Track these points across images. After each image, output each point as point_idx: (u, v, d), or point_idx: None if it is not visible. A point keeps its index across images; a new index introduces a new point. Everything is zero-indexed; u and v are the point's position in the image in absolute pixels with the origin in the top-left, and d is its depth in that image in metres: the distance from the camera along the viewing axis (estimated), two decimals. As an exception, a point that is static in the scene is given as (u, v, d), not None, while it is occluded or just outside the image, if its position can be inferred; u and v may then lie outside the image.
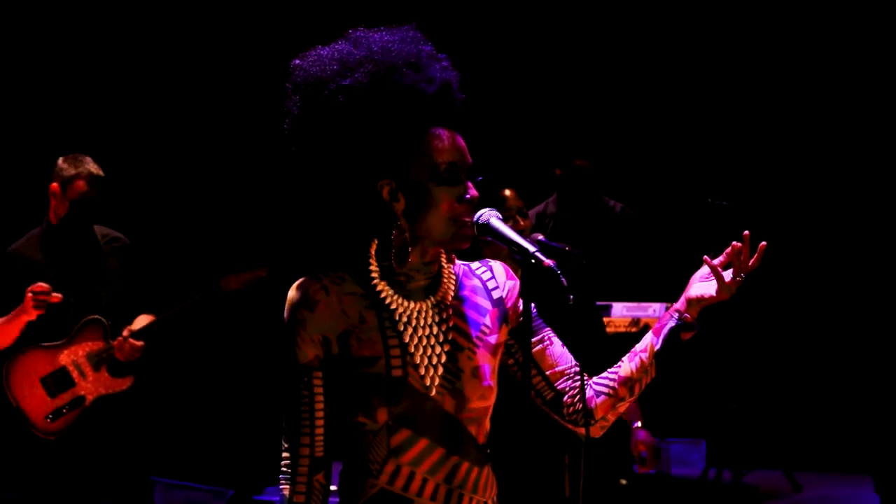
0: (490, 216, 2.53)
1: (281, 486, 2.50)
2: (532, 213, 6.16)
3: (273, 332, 2.78)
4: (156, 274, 5.73)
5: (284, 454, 2.50)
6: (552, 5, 8.32)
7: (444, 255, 2.59)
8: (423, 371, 2.49)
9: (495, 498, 2.60)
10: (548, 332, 2.65)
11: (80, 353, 5.32)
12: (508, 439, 3.62)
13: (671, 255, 6.39)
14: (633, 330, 5.83)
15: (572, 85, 8.20)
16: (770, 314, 8.19)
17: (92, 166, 5.38)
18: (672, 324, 2.59)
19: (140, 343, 5.32)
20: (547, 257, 2.43)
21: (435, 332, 2.53)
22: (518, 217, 4.83)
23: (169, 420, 7.77)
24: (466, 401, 2.52)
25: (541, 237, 4.90)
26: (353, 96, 2.46)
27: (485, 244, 3.20)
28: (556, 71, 8.20)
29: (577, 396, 2.59)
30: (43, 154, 5.90)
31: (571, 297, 2.44)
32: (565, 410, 2.63)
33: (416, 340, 2.50)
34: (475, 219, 2.52)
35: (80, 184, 5.33)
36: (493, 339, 2.59)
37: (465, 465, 2.52)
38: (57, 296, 5.17)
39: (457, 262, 2.64)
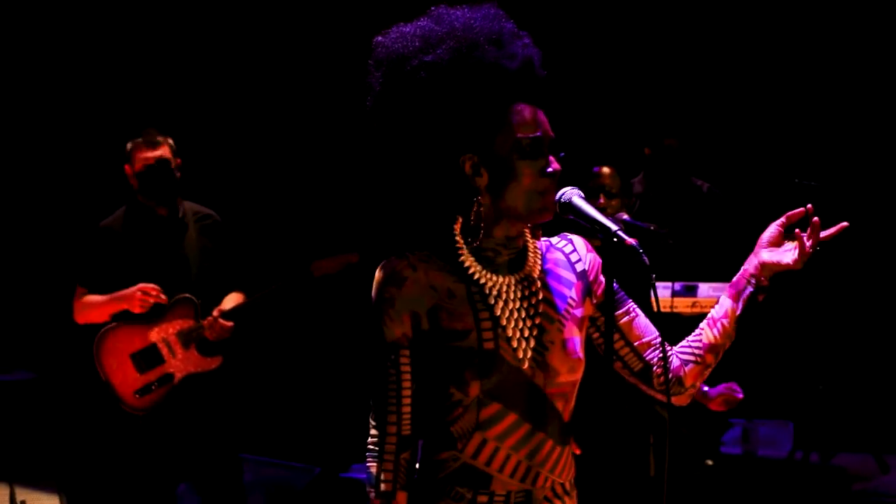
0: (573, 194, 2.54)
1: (368, 464, 2.52)
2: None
3: (361, 315, 2.81)
4: (247, 253, 5.75)
5: (372, 432, 2.52)
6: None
7: (528, 231, 2.59)
8: (515, 344, 2.50)
9: (572, 481, 2.60)
10: (631, 305, 2.66)
11: (171, 330, 5.34)
12: (593, 418, 3.63)
13: (758, 236, 6.32)
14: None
15: (663, 65, 8.14)
16: (859, 295, 8.08)
17: (149, 136, 5.39)
18: (751, 290, 2.62)
19: (230, 324, 5.34)
20: (629, 237, 2.44)
21: (525, 305, 2.54)
22: (602, 196, 4.84)
23: (258, 399, 7.87)
24: (556, 374, 2.53)
25: (626, 216, 4.90)
26: (436, 72, 2.47)
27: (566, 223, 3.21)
28: (648, 51, 8.15)
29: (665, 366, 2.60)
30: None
31: (654, 275, 2.45)
32: (655, 381, 2.64)
33: (507, 314, 2.52)
34: (557, 197, 2.53)
35: (139, 155, 5.36)
36: (579, 312, 2.60)
37: (550, 443, 2.53)
38: (163, 297, 5.26)
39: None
